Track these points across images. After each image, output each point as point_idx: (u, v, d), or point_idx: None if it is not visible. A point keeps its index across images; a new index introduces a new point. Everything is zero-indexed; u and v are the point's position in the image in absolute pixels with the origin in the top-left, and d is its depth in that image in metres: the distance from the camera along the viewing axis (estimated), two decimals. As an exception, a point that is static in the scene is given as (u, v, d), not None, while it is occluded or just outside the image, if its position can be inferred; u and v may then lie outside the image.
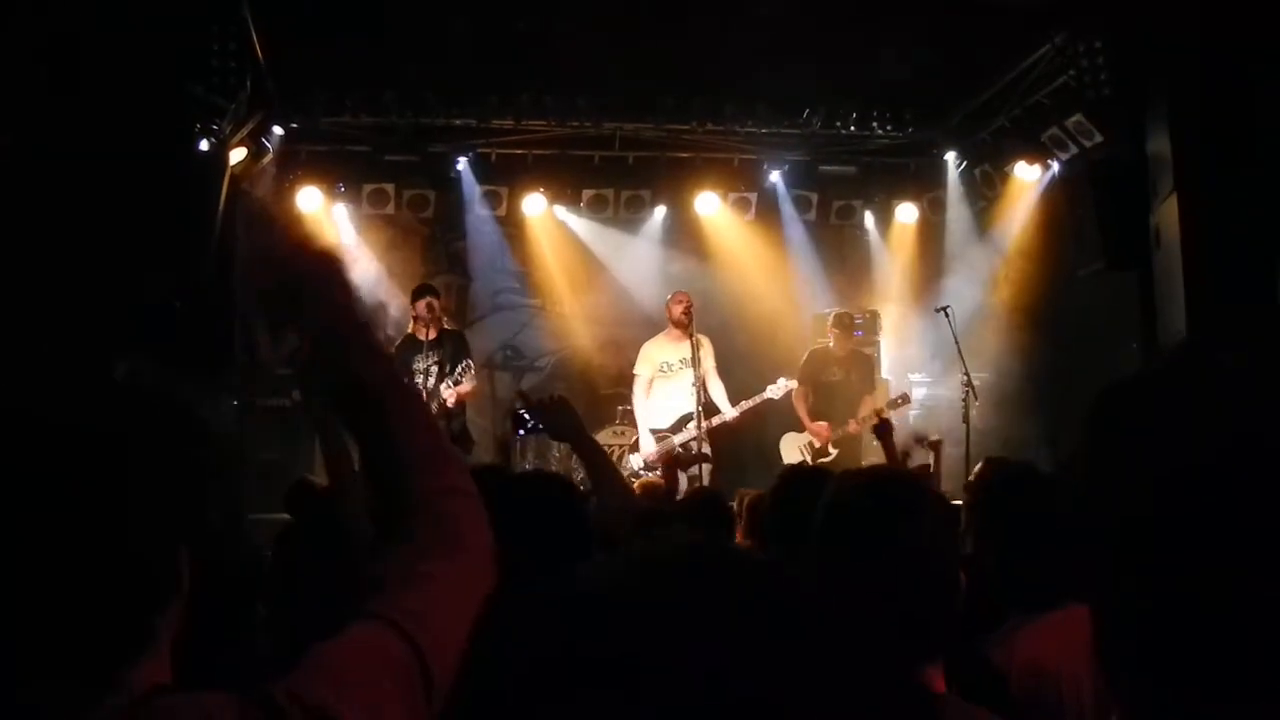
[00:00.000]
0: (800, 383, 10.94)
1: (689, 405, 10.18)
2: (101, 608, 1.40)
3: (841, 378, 10.93)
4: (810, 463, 10.57)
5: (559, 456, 11.64)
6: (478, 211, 12.92)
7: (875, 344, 12.46)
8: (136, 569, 1.43)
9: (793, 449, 10.91)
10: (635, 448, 10.63)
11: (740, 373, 11.31)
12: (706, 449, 10.09)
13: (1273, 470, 1.05)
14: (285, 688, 1.45)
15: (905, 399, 10.67)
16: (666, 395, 10.50)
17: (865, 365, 11.25)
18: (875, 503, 2.18)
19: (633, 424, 10.96)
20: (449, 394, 9.80)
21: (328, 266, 1.89)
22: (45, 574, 1.38)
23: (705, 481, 9.88)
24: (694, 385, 10.05)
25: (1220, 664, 1.07)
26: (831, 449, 10.73)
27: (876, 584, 2.05)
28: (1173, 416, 1.11)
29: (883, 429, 6.76)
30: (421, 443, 1.81)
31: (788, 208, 13.18)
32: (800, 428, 10.93)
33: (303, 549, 4.33)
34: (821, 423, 10.74)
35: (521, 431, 4.48)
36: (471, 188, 12.69)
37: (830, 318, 11.39)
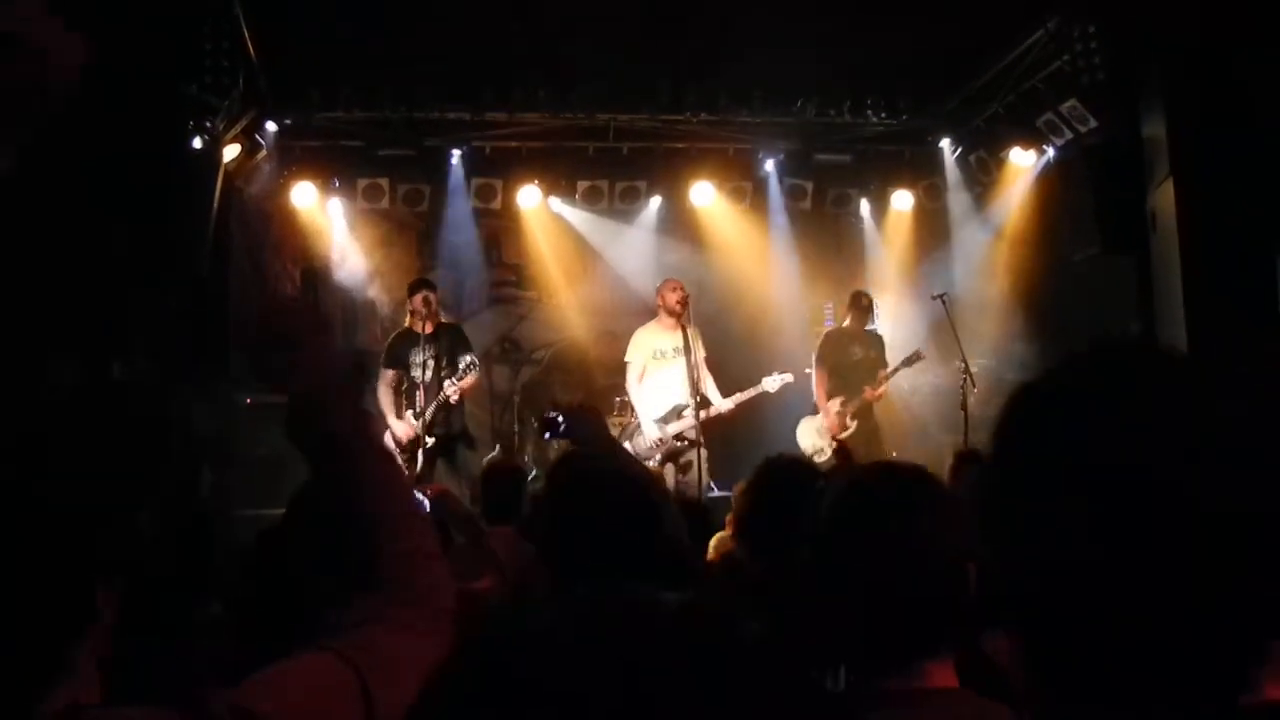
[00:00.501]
0: (819, 366, 11.00)
1: (682, 395, 10.14)
2: (10, 639, 1.42)
3: (863, 355, 11.02)
4: (831, 442, 10.57)
5: (558, 448, 11.63)
6: (473, 205, 12.90)
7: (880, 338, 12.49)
8: (46, 602, 1.44)
9: (809, 433, 10.91)
10: (627, 438, 10.56)
11: (735, 362, 11.31)
12: (700, 437, 10.07)
13: (1208, 473, 1.05)
14: (227, 700, 1.48)
15: (919, 355, 10.73)
16: (659, 384, 10.42)
17: (880, 343, 11.32)
18: (879, 498, 2.16)
19: (629, 414, 10.93)
20: (453, 390, 9.75)
21: (311, 327, 2.01)
22: None
23: (702, 470, 9.87)
24: (689, 374, 10.01)
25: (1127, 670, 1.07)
26: (850, 422, 10.74)
27: (880, 580, 2.04)
28: (1104, 421, 1.10)
29: (842, 454, 6.81)
30: (391, 503, 1.88)
31: (783, 197, 13.16)
32: (813, 411, 10.99)
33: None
34: (835, 405, 10.80)
35: (548, 435, 4.47)
36: (466, 181, 12.66)
37: (849, 297, 11.42)
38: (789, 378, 10.51)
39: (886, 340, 11.64)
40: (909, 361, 10.73)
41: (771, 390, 10.42)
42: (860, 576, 2.08)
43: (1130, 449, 1.07)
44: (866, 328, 11.33)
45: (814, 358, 11.21)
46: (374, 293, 13.06)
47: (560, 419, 4.31)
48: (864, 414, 10.83)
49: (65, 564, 1.47)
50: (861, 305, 11.23)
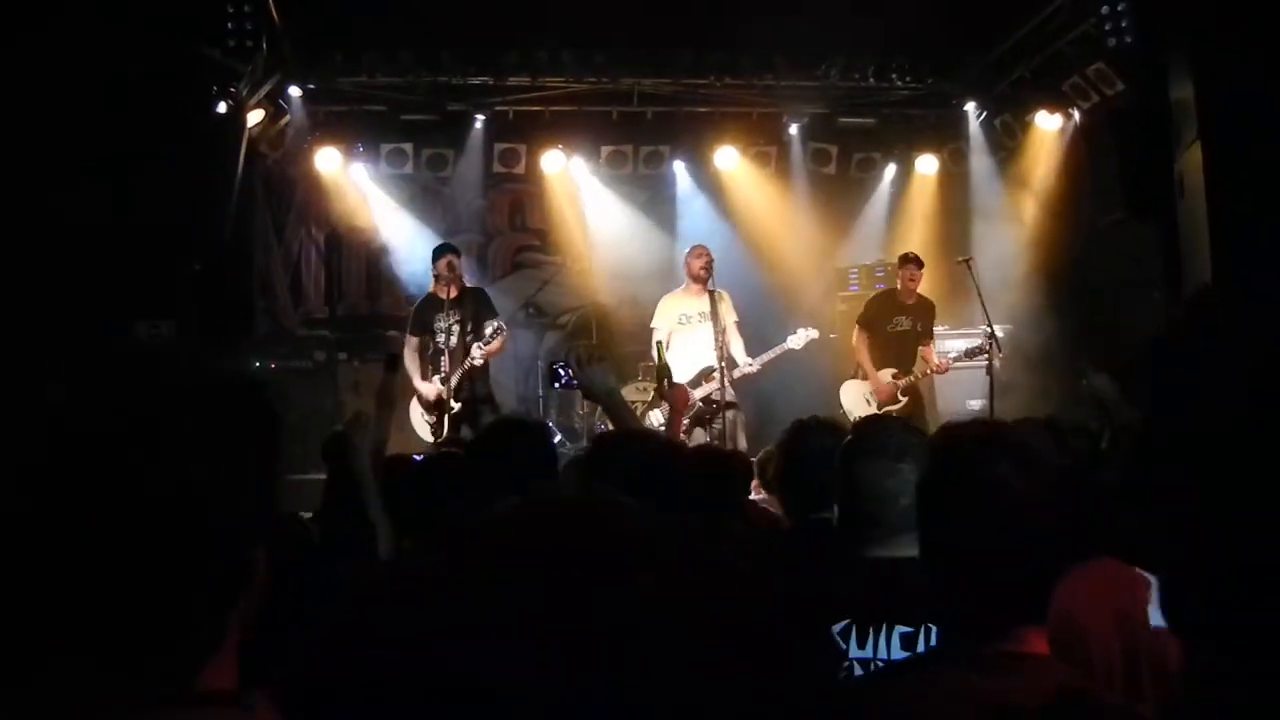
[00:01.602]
0: (862, 328, 10.83)
1: (709, 358, 10.08)
2: (163, 609, 1.37)
3: (909, 327, 10.70)
4: (877, 411, 10.44)
5: (582, 414, 11.66)
6: (496, 169, 12.89)
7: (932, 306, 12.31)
8: (210, 576, 1.40)
9: (856, 397, 10.74)
10: (655, 404, 10.53)
11: (760, 326, 11.26)
12: (731, 397, 10.01)
13: None
14: None
15: (983, 350, 10.32)
16: (685, 348, 10.35)
17: (930, 312, 10.92)
18: (982, 457, 2.10)
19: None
20: (479, 354, 9.73)
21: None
22: (95, 579, 1.34)
23: (737, 431, 9.83)
24: (715, 338, 9.95)
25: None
26: (901, 396, 10.59)
27: (978, 544, 1.99)
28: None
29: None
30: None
31: (807, 161, 13.13)
32: (853, 374, 10.87)
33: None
34: (886, 376, 10.61)
35: (557, 385, 4.48)
36: (490, 146, 12.66)
37: (899, 258, 11.11)
38: (814, 333, 10.36)
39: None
40: (971, 354, 10.49)
41: (797, 347, 10.29)
42: (968, 539, 2.02)
43: None
44: (919, 292, 10.96)
45: (858, 319, 10.98)
46: (397, 258, 13.06)
47: (566, 369, 4.31)
48: (913, 390, 10.67)
49: (221, 537, 1.43)
50: (910, 261, 10.76)
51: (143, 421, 1.40)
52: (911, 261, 10.79)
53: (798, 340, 10.25)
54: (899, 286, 10.87)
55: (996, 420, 2.37)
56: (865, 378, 10.78)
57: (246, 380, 1.61)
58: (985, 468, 2.06)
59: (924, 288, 11.21)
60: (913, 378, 10.52)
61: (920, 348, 10.72)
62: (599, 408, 10.62)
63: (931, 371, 10.57)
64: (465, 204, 13.37)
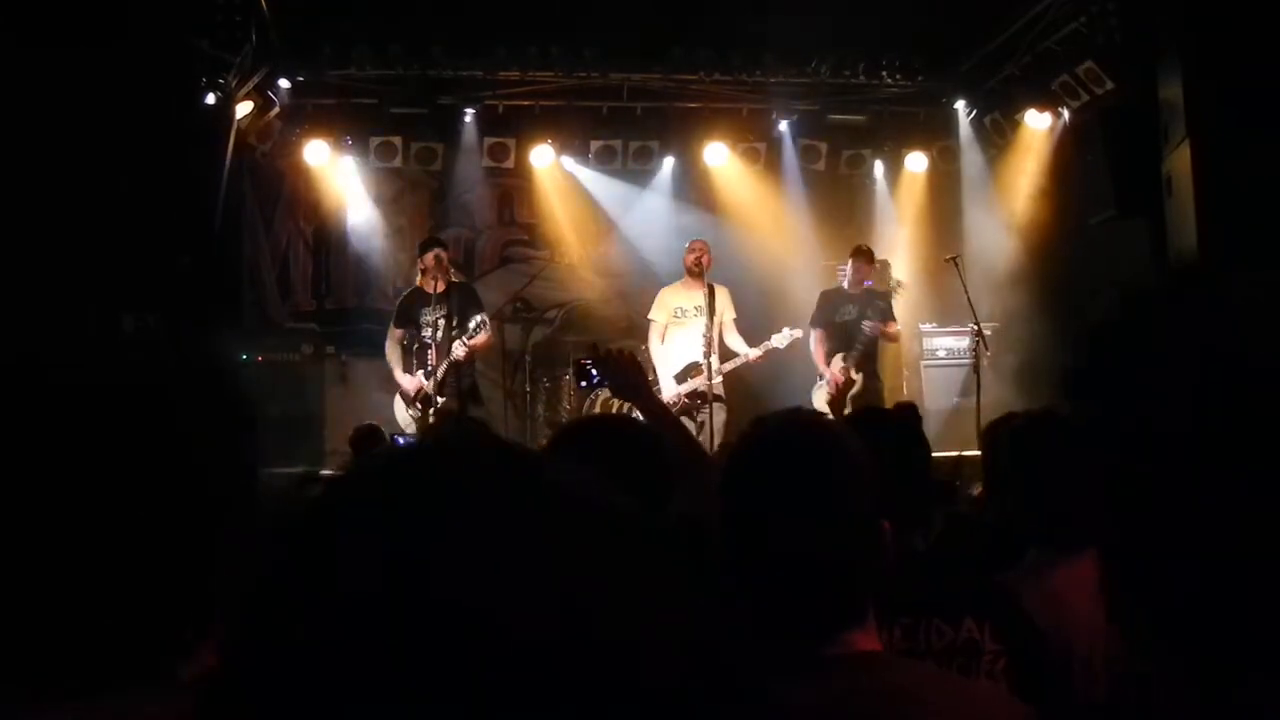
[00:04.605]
0: (814, 326, 10.88)
1: (699, 353, 10.09)
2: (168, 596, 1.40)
3: (856, 314, 10.81)
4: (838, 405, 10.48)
5: (568, 409, 11.62)
6: (486, 163, 12.87)
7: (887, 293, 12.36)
8: (198, 562, 1.42)
9: (821, 400, 10.77)
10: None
11: (749, 322, 11.27)
12: (719, 391, 10.03)
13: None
14: None
15: (899, 283, 10.55)
16: (677, 342, 10.38)
17: (880, 301, 11.03)
18: (788, 451, 2.00)
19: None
20: (461, 349, 9.71)
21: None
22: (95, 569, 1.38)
23: (719, 425, 9.84)
24: (705, 333, 9.97)
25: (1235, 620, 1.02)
26: (855, 375, 10.63)
27: (791, 543, 1.90)
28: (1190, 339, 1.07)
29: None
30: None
31: (797, 157, 13.13)
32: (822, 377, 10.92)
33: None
34: (837, 363, 10.69)
35: (584, 384, 4.41)
36: (479, 140, 12.64)
37: (850, 251, 11.26)
38: (798, 333, 10.41)
39: (900, 301, 11.53)
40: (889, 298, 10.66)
41: (781, 346, 10.31)
42: (771, 541, 1.90)
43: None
44: (866, 284, 11.05)
45: (811, 320, 11.01)
46: (385, 252, 13.05)
47: (594, 368, 4.24)
48: (867, 371, 10.70)
49: (216, 523, 1.45)
50: (861, 254, 11.02)
51: (117, 428, 1.42)
52: (858, 255, 11.01)
53: (782, 339, 10.31)
54: (846, 284, 11.11)
55: (803, 411, 2.21)
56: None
57: (214, 377, 1.61)
58: (795, 465, 1.94)
59: (914, 284, 11.22)
60: (858, 355, 10.57)
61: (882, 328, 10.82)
62: (587, 402, 10.67)
63: (867, 334, 10.62)
64: (454, 198, 13.36)
